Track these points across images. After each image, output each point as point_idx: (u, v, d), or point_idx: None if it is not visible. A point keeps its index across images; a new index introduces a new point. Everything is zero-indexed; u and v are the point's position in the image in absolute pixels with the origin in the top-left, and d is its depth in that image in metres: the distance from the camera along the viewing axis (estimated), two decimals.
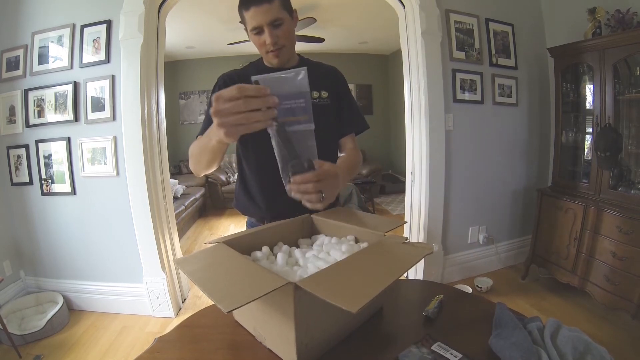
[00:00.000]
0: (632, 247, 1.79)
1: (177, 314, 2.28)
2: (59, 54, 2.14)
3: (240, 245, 0.77)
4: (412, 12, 2.24)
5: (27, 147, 2.23)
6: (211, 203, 5.22)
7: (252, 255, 0.80)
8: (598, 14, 2.08)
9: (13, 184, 2.29)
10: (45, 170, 2.23)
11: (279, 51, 0.98)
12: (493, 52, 2.46)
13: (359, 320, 0.75)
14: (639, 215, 1.78)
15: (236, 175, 1.19)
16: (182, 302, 2.41)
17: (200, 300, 2.45)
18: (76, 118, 2.15)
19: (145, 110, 2.08)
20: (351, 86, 5.99)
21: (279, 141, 0.70)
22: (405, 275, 1.28)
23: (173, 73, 5.59)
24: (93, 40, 2.10)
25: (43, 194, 2.25)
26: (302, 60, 1.11)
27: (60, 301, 2.21)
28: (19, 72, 2.19)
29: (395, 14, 2.42)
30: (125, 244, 2.21)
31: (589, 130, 2.16)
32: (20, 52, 2.18)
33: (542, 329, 0.66)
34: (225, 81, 1.03)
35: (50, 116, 2.18)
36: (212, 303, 0.61)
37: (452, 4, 2.33)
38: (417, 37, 2.23)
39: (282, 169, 0.74)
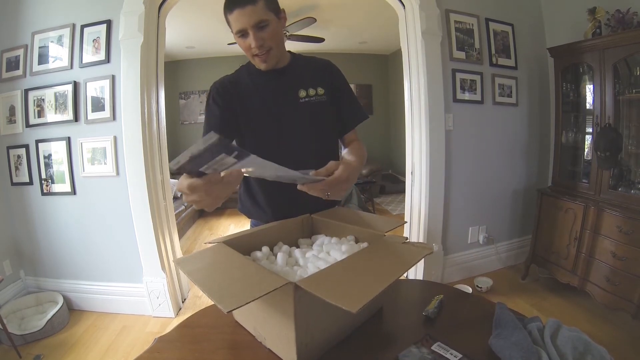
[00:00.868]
0: (632, 247, 1.79)
1: (177, 314, 2.28)
2: (59, 54, 2.14)
3: (240, 245, 0.77)
4: (412, 12, 2.24)
5: (27, 147, 2.23)
6: None
7: (252, 255, 0.80)
8: (598, 14, 2.08)
9: (13, 184, 2.29)
10: (45, 170, 2.23)
11: (267, 55, 0.95)
12: (493, 52, 2.46)
13: (359, 320, 0.75)
14: (639, 215, 1.78)
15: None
16: (182, 302, 2.40)
17: (200, 300, 2.45)
18: (76, 118, 2.15)
19: (145, 110, 2.08)
20: (351, 86, 5.95)
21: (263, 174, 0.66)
22: (405, 275, 1.28)
23: (173, 73, 5.59)
24: (93, 40, 2.10)
25: (43, 194, 2.25)
26: (294, 58, 1.09)
27: (60, 301, 2.21)
28: (19, 72, 2.19)
29: (395, 14, 2.42)
30: (125, 243, 2.21)
31: (589, 130, 2.16)
32: (20, 52, 2.18)
33: (542, 329, 0.66)
34: (217, 90, 1.02)
35: (50, 116, 2.18)
36: (212, 303, 0.61)
37: (452, 4, 2.32)
38: (417, 37, 2.23)
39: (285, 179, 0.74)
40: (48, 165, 2.22)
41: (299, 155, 1.03)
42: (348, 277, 0.59)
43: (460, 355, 0.61)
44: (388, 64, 6.45)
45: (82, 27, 2.11)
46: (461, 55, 2.37)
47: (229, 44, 4.62)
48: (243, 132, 1.04)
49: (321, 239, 0.90)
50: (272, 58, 0.97)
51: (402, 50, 2.42)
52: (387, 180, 5.87)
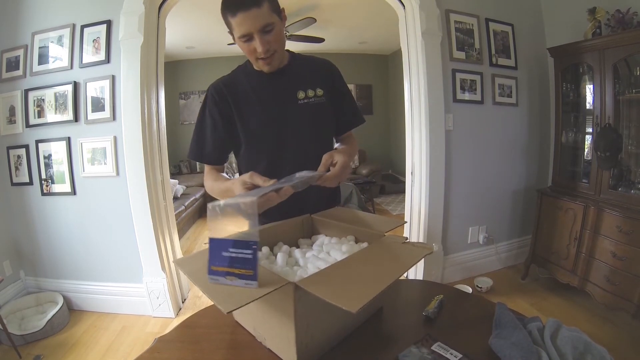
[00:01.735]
0: (632, 247, 1.79)
1: (177, 314, 2.28)
2: (59, 54, 2.14)
3: None
4: (412, 12, 2.24)
5: (27, 147, 2.23)
6: None
7: None
8: (598, 14, 2.08)
9: (13, 184, 2.29)
10: (45, 170, 2.23)
11: (271, 58, 0.93)
12: (493, 52, 2.46)
13: (359, 320, 0.75)
14: (639, 215, 1.78)
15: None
16: (182, 302, 2.40)
17: (200, 300, 2.45)
18: (76, 118, 2.15)
19: (145, 110, 2.08)
20: (351, 86, 5.98)
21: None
22: (405, 275, 1.28)
23: (173, 73, 5.59)
24: (93, 40, 2.10)
25: (43, 194, 2.25)
26: (293, 57, 1.08)
27: (60, 301, 2.21)
28: (19, 72, 2.19)
29: (395, 14, 2.42)
30: (125, 244, 2.21)
31: (589, 130, 2.16)
32: (20, 52, 2.18)
33: (542, 329, 0.66)
34: (213, 96, 1.01)
35: (50, 116, 2.18)
36: (212, 303, 0.61)
37: (452, 4, 2.32)
38: (417, 37, 2.23)
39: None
40: (48, 166, 2.22)
41: (296, 156, 1.02)
42: (348, 277, 0.60)
43: (460, 355, 0.61)
44: (388, 64, 6.45)
45: (82, 27, 2.11)
46: (461, 55, 2.37)
47: (228, 44, 4.62)
48: (241, 135, 1.04)
49: (321, 239, 0.90)
50: (277, 60, 0.97)
51: (402, 50, 2.42)
52: (387, 180, 5.88)
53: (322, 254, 0.78)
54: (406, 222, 2.50)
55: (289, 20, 3.76)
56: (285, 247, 0.85)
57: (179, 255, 2.44)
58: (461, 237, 2.59)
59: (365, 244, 0.81)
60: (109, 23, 2.07)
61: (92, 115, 2.13)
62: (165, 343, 0.74)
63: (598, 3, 2.09)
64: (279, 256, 0.77)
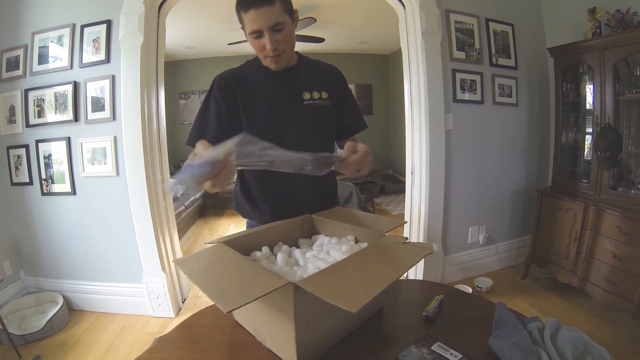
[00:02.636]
0: (632, 247, 1.79)
1: (177, 314, 2.28)
2: (59, 54, 2.14)
3: (240, 245, 0.77)
4: (412, 12, 2.24)
5: (27, 147, 2.23)
6: (211, 203, 5.22)
7: (252, 255, 0.80)
8: (598, 14, 2.08)
9: (13, 184, 2.29)
10: (45, 170, 2.23)
11: (279, 57, 0.95)
12: (493, 52, 2.46)
13: (358, 320, 0.75)
14: (639, 215, 1.78)
15: (235, 175, 1.18)
16: (182, 302, 2.40)
17: (200, 300, 2.45)
18: (76, 118, 2.15)
19: (145, 110, 2.08)
20: (351, 86, 5.95)
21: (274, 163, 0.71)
22: (405, 275, 1.28)
23: (173, 73, 5.59)
24: (93, 40, 2.10)
25: (43, 194, 2.25)
26: (301, 59, 1.09)
27: (60, 301, 2.21)
28: (19, 72, 2.19)
29: (395, 14, 2.42)
30: (125, 244, 2.21)
31: (589, 130, 2.16)
32: (20, 52, 2.18)
33: (542, 329, 0.66)
34: (219, 83, 1.01)
35: (50, 116, 2.18)
36: (212, 303, 0.61)
37: (452, 4, 2.32)
38: (417, 37, 2.23)
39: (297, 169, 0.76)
40: (48, 165, 2.22)
41: None
42: (348, 277, 0.60)
43: (460, 355, 0.61)
44: (388, 64, 6.45)
45: (82, 27, 2.11)
46: (461, 55, 2.37)
47: (229, 44, 4.63)
48: (245, 127, 1.03)
49: (321, 239, 0.90)
50: (284, 60, 0.97)
51: (402, 50, 2.42)
52: (387, 180, 5.88)
53: (322, 254, 0.78)
54: (406, 222, 2.50)
55: None
56: (285, 247, 0.85)
57: (179, 255, 2.44)
58: (461, 237, 2.59)
59: (365, 244, 0.82)
60: (109, 23, 2.07)
61: (92, 115, 2.13)
62: (165, 343, 0.74)
63: (598, 3, 2.09)
64: (279, 256, 0.77)
